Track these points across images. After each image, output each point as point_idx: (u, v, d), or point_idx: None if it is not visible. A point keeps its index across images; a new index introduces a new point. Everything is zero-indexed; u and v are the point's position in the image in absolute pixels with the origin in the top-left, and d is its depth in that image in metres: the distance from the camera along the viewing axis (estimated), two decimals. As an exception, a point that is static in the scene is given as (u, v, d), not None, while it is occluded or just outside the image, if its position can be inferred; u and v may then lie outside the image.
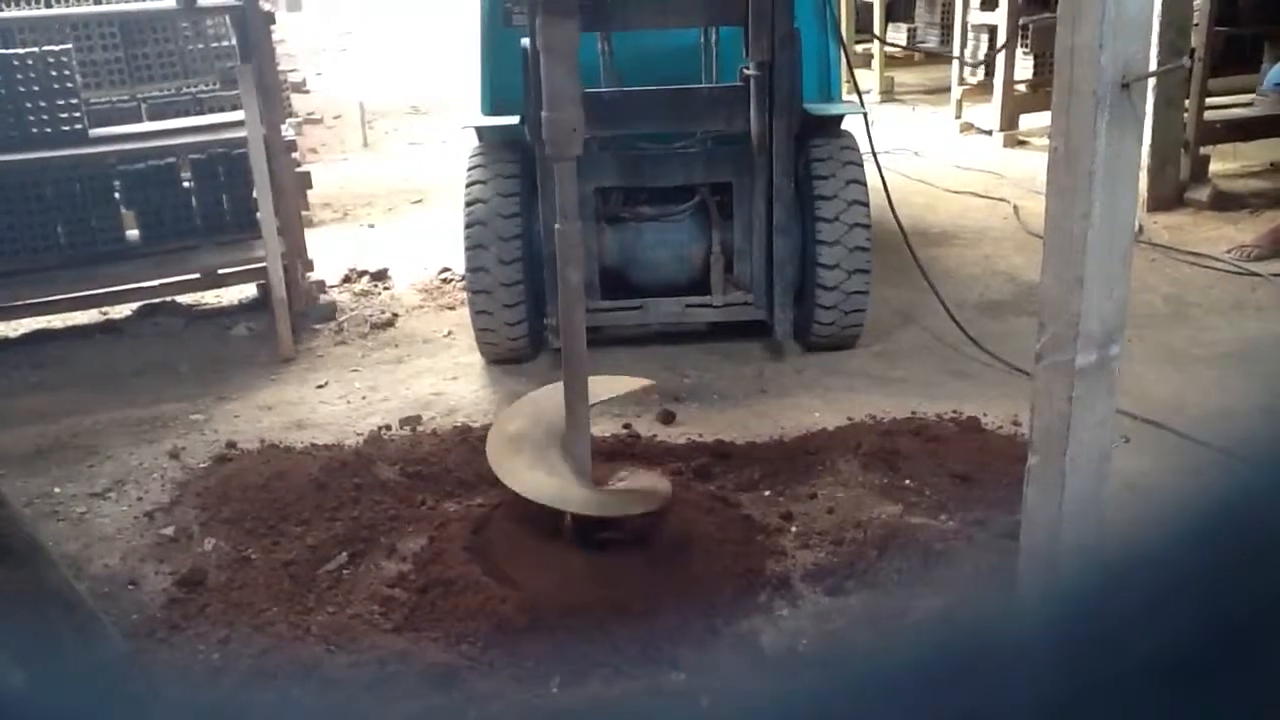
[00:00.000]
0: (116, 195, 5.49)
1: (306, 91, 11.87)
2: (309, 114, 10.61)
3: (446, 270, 6.06)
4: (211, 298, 5.88)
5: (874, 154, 4.79)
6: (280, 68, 7.79)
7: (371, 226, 7.45)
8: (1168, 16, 6.16)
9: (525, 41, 4.23)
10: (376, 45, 16.01)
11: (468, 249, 4.59)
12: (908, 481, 3.60)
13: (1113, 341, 1.61)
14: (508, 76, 4.59)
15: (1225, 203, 6.56)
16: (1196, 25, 6.41)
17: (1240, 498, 0.99)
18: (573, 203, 2.92)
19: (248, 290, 5.81)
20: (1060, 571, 1.61)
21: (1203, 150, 6.76)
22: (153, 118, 5.95)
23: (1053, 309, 1.58)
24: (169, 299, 5.62)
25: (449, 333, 5.31)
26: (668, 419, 4.23)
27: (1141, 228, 6.26)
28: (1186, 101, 6.55)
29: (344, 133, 10.49)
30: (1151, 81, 6.11)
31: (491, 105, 4.94)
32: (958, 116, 9.32)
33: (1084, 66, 1.44)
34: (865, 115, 4.80)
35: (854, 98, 5.24)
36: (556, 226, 2.94)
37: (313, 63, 13.92)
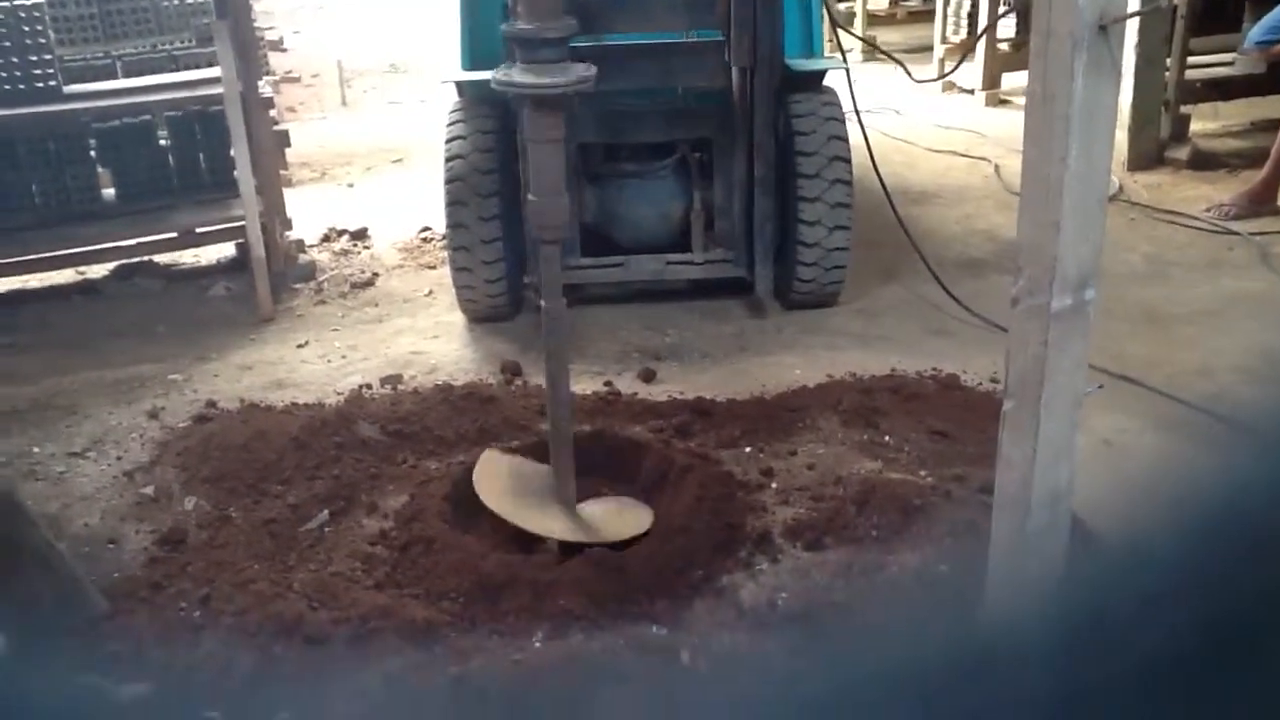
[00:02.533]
0: (92, 154, 5.43)
1: (284, 50, 11.68)
2: (287, 72, 10.48)
3: (427, 229, 6.04)
4: (189, 257, 5.84)
5: (856, 111, 4.77)
6: (258, 25, 7.70)
7: (351, 186, 7.40)
8: (1150, -28, 6.15)
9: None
10: (355, 2, 15.80)
11: (447, 205, 4.57)
12: (887, 438, 3.62)
13: (1088, 285, 1.61)
14: (488, 31, 4.53)
15: (1205, 162, 6.58)
16: (1178, -18, 6.38)
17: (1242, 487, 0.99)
18: (557, 283, 2.91)
19: (226, 250, 5.77)
20: (1033, 523, 1.63)
21: (1183, 109, 6.76)
22: (128, 75, 5.86)
23: (1029, 253, 1.59)
24: (146, 259, 5.58)
25: (429, 292, 5.29)
26: (648, 376, 4.23)
27: (1121, 186, 6.27)
28: (1168, 60, 6.54)
29: (322, 91, 10.39)
30: (1133, 40, 6.07)
31: (471, 60, 4.89)
32: (940, 75, 9.27)
33: (1061, 8, 1.43)
34: (847, 72, 4.78)
35: (836, 54, 5.22)
36: (542, 303, 2.93)
37: (291, 20, 13.73)
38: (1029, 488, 1.64)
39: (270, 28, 11.13)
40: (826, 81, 4.83)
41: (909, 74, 5.07)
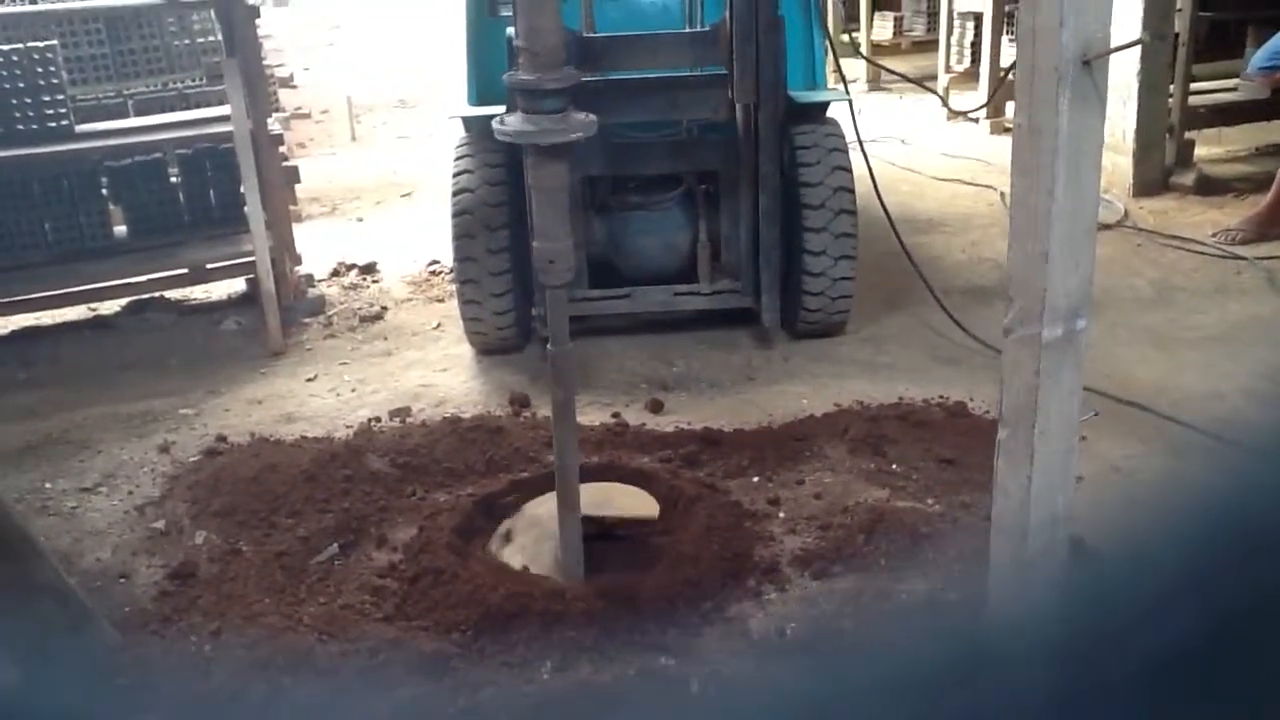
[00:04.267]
0: (104, 191, 5.48)
1: (294, 86, 11.80)
2: (297, 109, 10.58)
3: (435, 263, 6.08)
4: (200, 293, 5.88)
5: (859, 141, 4.80)
6: (267, 63, 7.79)
7: (360, 220, 7.45)
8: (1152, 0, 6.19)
9: (511, 31, 4.24)
10: (364, 39, 15.96)
11: (455, 239, 4.60)
12: (894, 466, 3.63)
13: (1079, 315, 1.63)
14: (493, 67, 4.59)
15: (1210, 187, 6.60)
16: (1180, 10, 6.42)
17: (1241, 494, 1.00)
18: (564, 328, 2.94)
19: (236, 285, 5.82)
20: (1034, 550, 1.64)
21: (1188, 135, 6.79)
22: (139, 113, 5.94)
23: (1019, 284, 1.61)
24: (158, 295, 5.62)
25: (438, 325, 5.32)
26: (656, 407, 4.25)
27: (1127, 212, 6.29)
28: (1171, 86, 6.58)
29: (332, 127, 10.49)
30: (1136, 67, 6.10)
31: (477, 96, 4.94)
32: (945, 104, 9.34)
33: (1045, 44, 1.46)
34: (850, 103, 4.82)
35: (839, 86, 5.26)
36: (549, 348, 2.96)
37: (300, 58, 13.87)
38: (1026, 514, 1.65)
39: (280, 65, 11.26)
40: (830, 112, 4.88)
41: (945, 103, 5.10)
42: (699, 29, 4.73)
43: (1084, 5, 1.43)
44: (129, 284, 5.41)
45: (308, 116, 10.70)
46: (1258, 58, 6.16)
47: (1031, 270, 1.54)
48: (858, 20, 11.10)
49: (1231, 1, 7.02)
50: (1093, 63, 1.45)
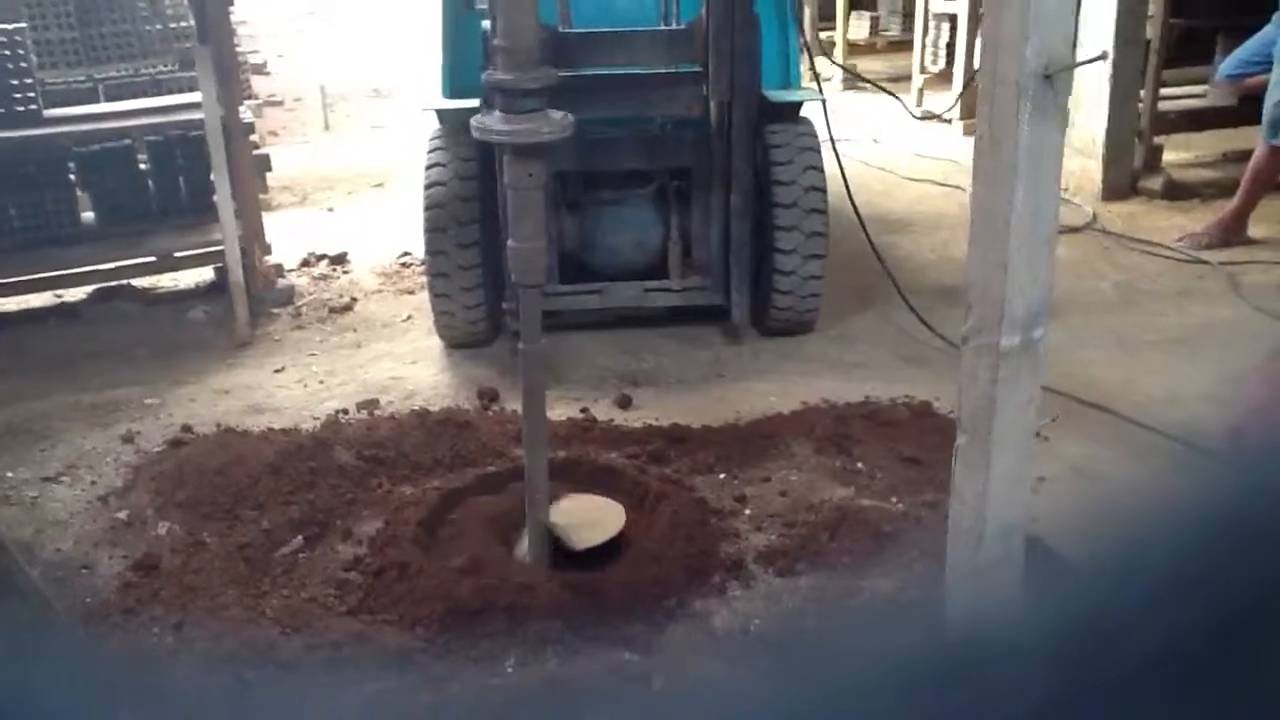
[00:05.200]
0: (71, 177, 5.43)
1: (267, 74, 11.77)
2: (270, 96, 10.53)
3: (406, 254, 6.06)
4: (168, 281, 5.84)
5: (832, 141, 4.82)
6: (241, 49, 7.74)
7: (331, 210, 7.41)
8: (1124, 6, 6.25)
9: (486, 25, 4.22)
10: (339, 26, 15.88)
11: (427, 231, 4.59)
12: (860, 465, 3.65)
13: (1037, 324, 1.65)
14: (468, 60, 4.57)
15: (1178, 192, 6.66)
16: (1152, 17, 6.48)
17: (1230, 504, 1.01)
18: (537, 327, 2.94)
19: (205, 274, 5.78)
20: (988, 552, 1.66)
21: (1156, 140, 6.85)
22: (110, 99, 5.88)
23: (978, 292, 1.63)
24: (125, 282, 5.57)
25: (408, 317, 5.31)
26: (625, 403, 4.25)
27: (1095, 216, 6.35)
28: (1141, 92, 6.64)
29: (305, 115, 10.42)
30: (1108, 72, 6.14)
31: (451, 88, 4.93)
32: (919, 104, 9.39)
33: (1008, 57, 1.47)
34: (824, 102, 4.83)
35: (813, 85, 5.28)
36: (520, 346, 2.96)
37: (274, 44, 13.79)
38: (982, 521, 1.67)
39: (254, 51, 11.20)
40: (804, 111, 4.89)
41: (905, 106, 5.14)
42: (675, 26, 4.73)
43: (1048, 20, 1.44)
44: (96, 271, 5.36)
45: (281, 104, 10.65)
46: (1225, 66, 6.24)
47: (990, 279, 1.56)
48: (834, 19, 11.12)
49: (1202, 9, 7.10)
50: (1054, 77, 1.47)
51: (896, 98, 5.38)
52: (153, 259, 5.42)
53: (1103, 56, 4.77)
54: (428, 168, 4.66)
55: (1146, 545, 0.98)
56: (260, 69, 11.34)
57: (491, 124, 2.73)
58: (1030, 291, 1.59)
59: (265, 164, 6.14)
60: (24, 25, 5.26)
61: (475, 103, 4.57)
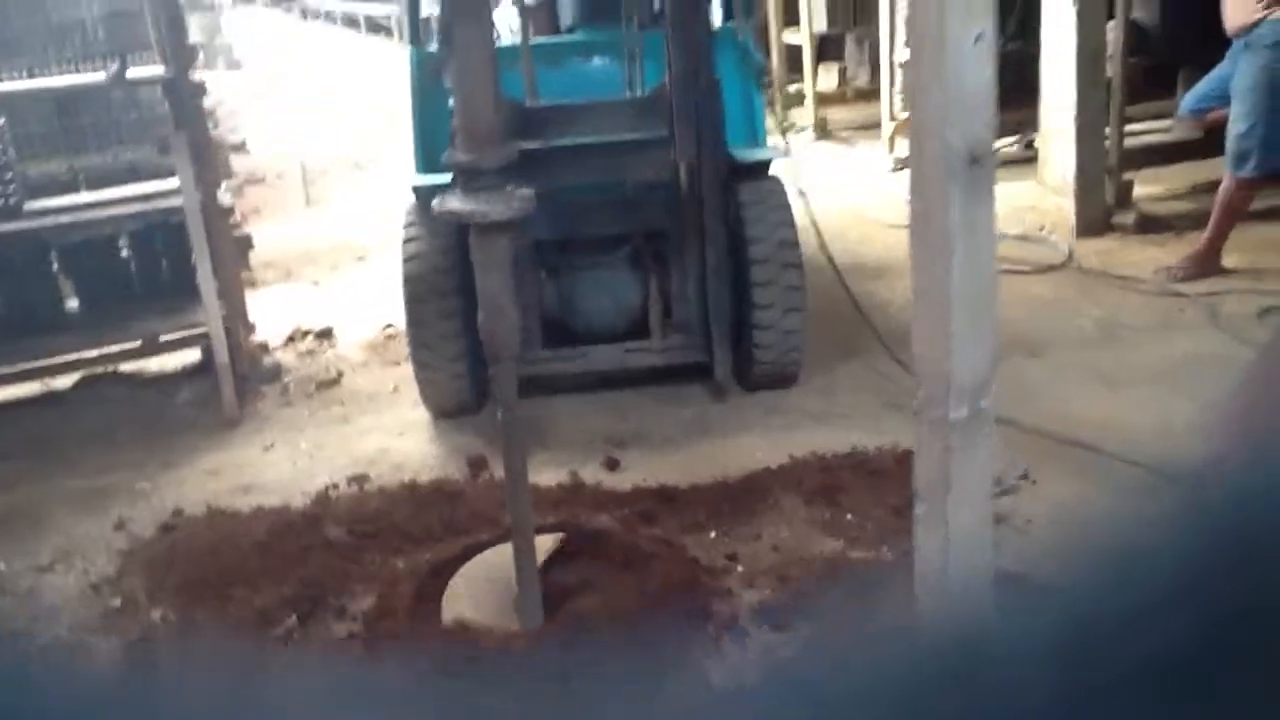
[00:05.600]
0: (54, 267, 5.47)
1: (247, 152, 11.87)
2: (250, 174, 10.61)
3: (390, 326, 6.08)
4: (154, 365, 5.85)
5: (802, 194, 4.89)
6: (220, 129, 7.82)
7: (315, 284, 7.45)
8: (1084, 47, 6.37)
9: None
10: (318, 103, 16.04)
11: (407, 303, 4.63)
12: (849, 516, 3.67)
13: (984, 394, 1.68)
14: (439, 134, 4.64)
15: (1151, 225, 6.73)
16: (1111, 57, 6.60)
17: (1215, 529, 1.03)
18: (513, 396, 2.99)
19: (191, 356, 5.79)
20: (958, 600, 1.68)
21: (1126, 176, 6.94)
22: (91, 185, 5.93)
23: (925, 368, 1.66)
24: (111, 368, 5.59)
25: (395, 388, 5.33)
26: (612, 465, 4.27)
27: (1071, 253, 6.42)
28: (1107, 129, 6.74)
29: (286, 192, 10.49)
30: (1074, 110, 6.22)
31: (425, 163, 4.99)
32: (891, 151, 9.50)
33: (933, 141, 1.52)
34: (790, 156, 4.91)
35: (778, 142, 5.36)
36: (499, 415, 3.00)
37: (253, 122, 13.93)
38: (946, 579, 1.69)
39: (233, 129, 11.32)
40: (774, 166, 4.97)
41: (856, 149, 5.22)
42: (640, 95, 4.82)
43: (967, 106, 1.49)
44: (82, 358, 5.38)
45: (262, 181, 10.71)
46: (1188, 100, 6.34)
47: (935, 354, 1.60)
48: (801, 71, 11.27)
49: (1158, 48, 7.23)
50: (981, 159, 1.51)
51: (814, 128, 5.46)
52: (138, 343, 5.44)
53: (1026, 138, 4.90)
54: (405, 242, 4.71)
55: (1122, 570, 1.00)
56: (240, 148, 11.45)
57: (453, 204, 2.78)
58: (975, 362, 1.63)
59: (247, 244, 6.18)
60: (1, 121, 5.31)
61: (449, 178, 4.64)
